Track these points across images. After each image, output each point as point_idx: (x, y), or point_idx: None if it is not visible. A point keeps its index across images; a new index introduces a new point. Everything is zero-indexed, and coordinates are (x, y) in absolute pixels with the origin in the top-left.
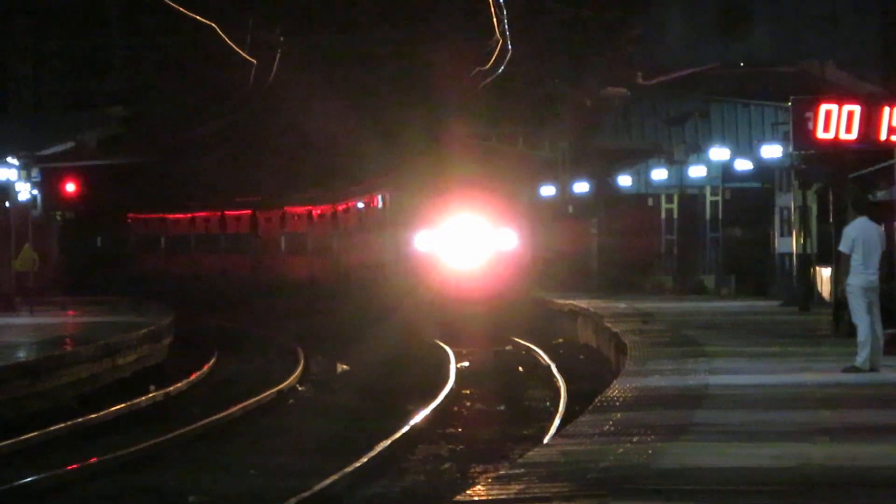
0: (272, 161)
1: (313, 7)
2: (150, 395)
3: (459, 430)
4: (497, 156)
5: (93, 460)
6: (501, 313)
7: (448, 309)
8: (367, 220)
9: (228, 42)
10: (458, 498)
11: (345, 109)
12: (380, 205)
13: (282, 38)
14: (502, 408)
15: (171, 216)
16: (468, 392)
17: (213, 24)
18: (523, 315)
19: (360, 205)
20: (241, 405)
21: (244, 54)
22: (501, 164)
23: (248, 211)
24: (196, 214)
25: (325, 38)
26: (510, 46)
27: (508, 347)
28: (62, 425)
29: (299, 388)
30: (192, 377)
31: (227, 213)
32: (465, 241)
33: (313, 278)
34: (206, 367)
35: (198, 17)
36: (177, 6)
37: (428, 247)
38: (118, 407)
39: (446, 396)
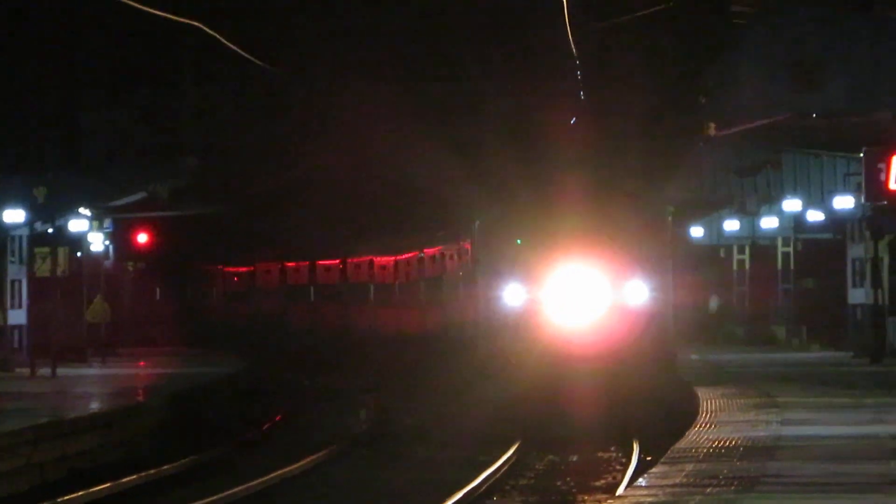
0: (360, 210)
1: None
2: (220, 449)
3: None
4: (621, 192)
5: None
6: (620, 386)
7: (547, 380)
8: (436, 269)
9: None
10: None
11: (443, 155)
12: (462, 250)
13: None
14: (575, 458)
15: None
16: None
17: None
18: (649, 390)
19: (437, 253)
20: (310, 458)
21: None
22: (625, 202)
23: (337, 261)
24: (288, 265)
25: (429, 86)
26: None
27: None
28: (135, 476)
29: None
30: (263, 428)
31: (318, 262)
32: (574, 293)
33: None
34: (277, 419)
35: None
36: (254, 58)
37: (526, 301)
38: (190, 458)
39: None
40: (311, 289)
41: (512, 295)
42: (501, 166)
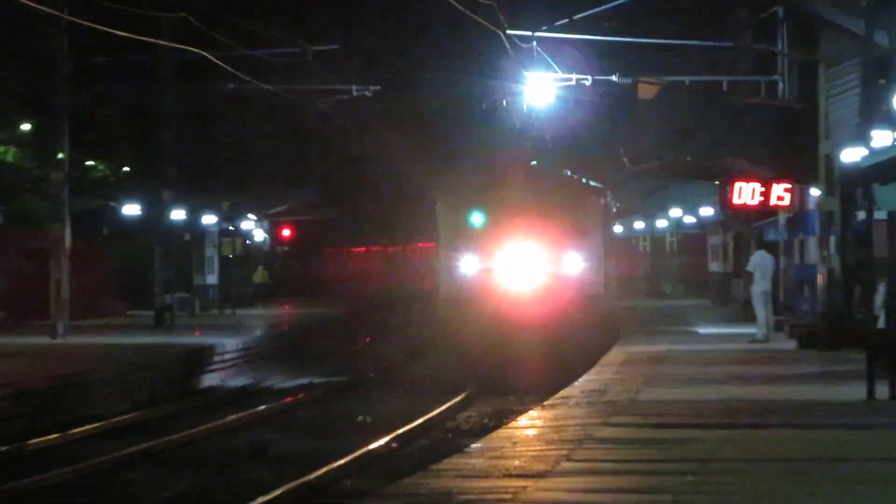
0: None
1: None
2: (337, 356)
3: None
4: (562, 178)
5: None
6: (559, 343)
7: (494, 338)
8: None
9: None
10: (520, 418)
11: (412, 144)
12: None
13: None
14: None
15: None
16: None
17: None
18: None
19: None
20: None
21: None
22: (566, 186)
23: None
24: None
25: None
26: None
27: None
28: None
29: None
30: (359, 346)
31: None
32: (519, 264)
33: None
34: (368, 340)
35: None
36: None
37: (479, 269)
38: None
39: None
40: (372, 262)
41: (467, 265)
42: (460, 147)
